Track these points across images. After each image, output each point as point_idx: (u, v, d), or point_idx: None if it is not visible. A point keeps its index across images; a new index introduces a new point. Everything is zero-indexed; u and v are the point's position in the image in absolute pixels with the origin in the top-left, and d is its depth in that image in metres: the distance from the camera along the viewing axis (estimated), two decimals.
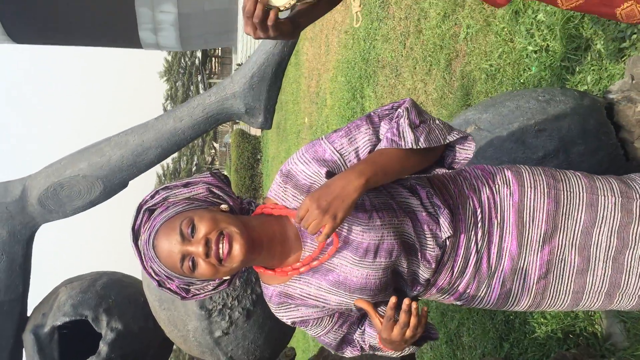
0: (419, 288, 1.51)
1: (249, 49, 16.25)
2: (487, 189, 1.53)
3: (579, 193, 1.51)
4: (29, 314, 2.78)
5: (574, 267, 1.50)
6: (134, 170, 2.46)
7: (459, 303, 1.58)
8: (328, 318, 1.53)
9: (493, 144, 2.22)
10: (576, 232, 1.49)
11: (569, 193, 1.51)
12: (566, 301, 1.54)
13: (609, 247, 1.49)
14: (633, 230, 1.48)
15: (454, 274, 1.51)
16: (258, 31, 1.48)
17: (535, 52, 3.21)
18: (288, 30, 1.56)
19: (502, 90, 3.55)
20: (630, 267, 1.49)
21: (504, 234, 1.50)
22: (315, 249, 1.42)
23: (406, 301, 1.35)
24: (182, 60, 40.01)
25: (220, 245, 1.33)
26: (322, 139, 1.47)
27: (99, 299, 2.67)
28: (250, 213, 1.49)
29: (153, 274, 1.40)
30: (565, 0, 1.66)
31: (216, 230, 1.33)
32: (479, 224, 1.50)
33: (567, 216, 1.50)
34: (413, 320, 1.36)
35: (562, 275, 1.51)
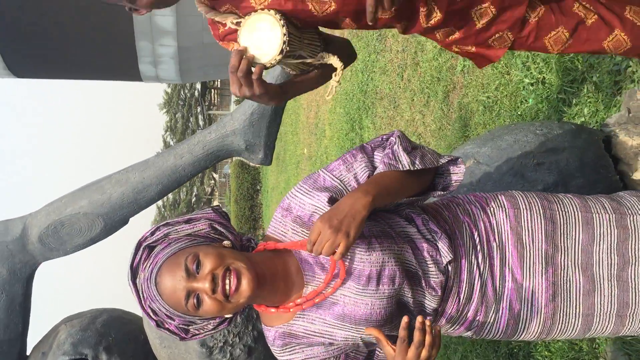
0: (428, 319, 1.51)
1: None
2: (482, 212, 1.56)
3: (574, 212, 1.54)
4: (28, 352, 2.76)
5: (580, 288, 1.50)
6: (135, 207, 2.46)
7: (469, 333, 1.58)
8: (334, 359, 1.51)
9: (492, 177, 2.23)
10: (577, 251, 1.51)
11: (564, 213, 1.54)
12: (577, 325, 1.54)
13: (611, 264, 1.50)
14: (632, 246, 1.50)
15: (461, 300, 1.50)
16: (243, 87, 1.50)
17: (532, 84, 3.25)
18: (275, 92, 1.57)
19: (500, 122, 3.57)
20: (636, 284, 1.50)
21: (505, 257, 1.51)
22: (321, 284, 1.42)
23: (419, 319, 1.34)
24: (182, 92, 40.31)
25: (227, 281, 1.31)
26: (320, 170, 1.51)
27: (99, 337, 2.65)
28: (250, 249, 1.48)
29: (152, 314, 1.38)
30: (555, 44, 1.71)
31: (222, 266, 1.32)
32: (478, 247, 1.51)
33: (565, 236, 1.52)
34: (428, 339, 1.33)
35: (570, 298, 1.51)
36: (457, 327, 1.56)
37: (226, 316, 1.42)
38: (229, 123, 2.43)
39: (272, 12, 1.52)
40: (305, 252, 1.43)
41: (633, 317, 1.52)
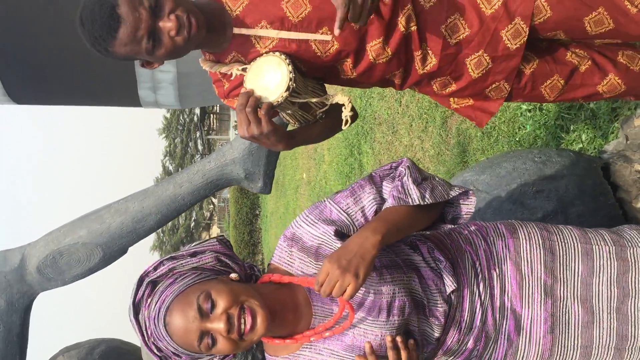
0: (430, 348, 1.50)
1: None
2: (483, 241, 1.56)
3: (574, 244, 1.54)
4: None
5: (578, 319, 1.50)
6: (134, 236, 2.46)
7: None
8: None
9: (492, 205, 2.23)
10: (576, 283, 1.50)
11: (563, 244, 1.54)
12: (575, 357, 1.53)
13: (611, 297, 1.49)
14: (632, 279, 1.50)
15: (462, 329, 1.50)
16: (251, 125, 1.51)
17: (529, 110, 3.27)
18: (282, 133, 1.58)
19: (498, 148, 3.59)
20: (635, 317, 1.49)
21: (505, 287, 1.51)
22: (329, 316, 1.40)
23: (388, 337, 1.34)
24: (181, 117, 40.52)
25: (242, 320, 1.27)
26: (326, 200, 1.48)
27: None
28: (254, 278, 1.46)
29: (156, 351, 1.33)
30: (551, 92, 1.75)
31: (237, 305, 1.28)
32: (480, 277, 1.51)
33: (564, 267, 1.51)
34: (404, 354, 1.34)
35: (568, 329, 1.50)
36: (456, 358, 1.55)
37: None
38: (229, 152, 2.44)
39: (277, 53, 1.56)
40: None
41: (632, 350, 1.51)
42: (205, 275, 1.35)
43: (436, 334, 1.47)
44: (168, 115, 40.16)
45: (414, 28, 1.61)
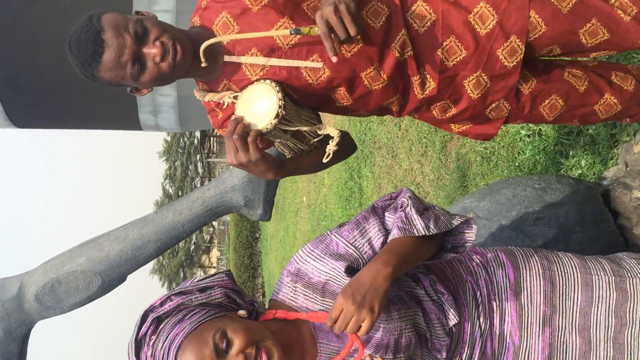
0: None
1: None
2: (483, 270, 1.55)
3: (573, 273, 1.53)
4: None
5: (576, 349, 1.49)
6: (133, 264, 2.44)
7: None
8: None
9: (492, 232, 2.22)
10: (575, 312, 1.50)
11: (563, 274, 1.53)
12: None
13: (608, 327, 1.49)
14: (630, 309, 1.49)
15: None
16: (239, 152, 1.51)
17: (529, 136, 3.27)
18: (271, 161, 1.57)
19: (497, 172, 3.59)
20: (631, 347, 1.48)
21: (504, 316, 1.50)
22: (335, 353, 1.37)
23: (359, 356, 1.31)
24: (181, 140, 40.65)
25: None
26: (331, 233, 1.46)
27: None
28: (254, 314, 1.42)
29: None
30: (550, 112, 1.76)
31: (253, 344, 1.24)
32: (480, 307, 1.50)
33: (564, 297, 1.51)
34: None
35: (566, 359, 1.49)
36: None
37: None
38: (228, 179, 2.44)
39: (267, 81, 1.57)
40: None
41: None
42: (215, 312, 1.31)
43: None
44: (168, 138, 40.30)
45: (409, 53, 1.61)
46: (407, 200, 1.45)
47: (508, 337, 1.49)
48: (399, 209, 1.45)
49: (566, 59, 1.84)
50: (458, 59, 1.63)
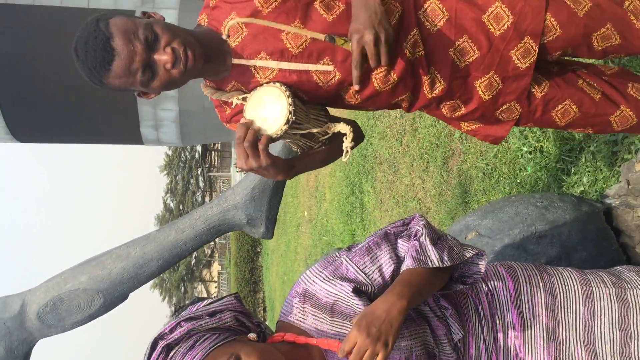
0: None
1: None
2: (484, 285, 1.55)
3: (574, 286, 1.53)
4: None
5: None
6: (135, 282, 2.44)
7: None
8: None
9: (494, 250, 2.22)
10: (578, 325, 1.49)
11: (564, 286, 1.53)
12: None
13: (613, 340, 1.48)
14: (633, 321, 1.48)
15: None
16: (250, 159, 1.49)
17: (530, 152, 3.28)
18: (281, 165, 1.56)
19: (499, 189, 3.59)
20: None
21: (507, 330, 1.50)
22: None
23: None
24: (183, 154, 40.69)
25: None
26: (341, 256, 1.45)
27: None
28: (262, 336, 1.41)
29: None
30: (562, 117, 1.72)
31: None
32: (483, 322, 1.50)
33: (566, 309, 1.51)
34: None
35: None
36: None
37: None
38: (231, 197, 2.44)
39: (277, 84, 1.54)
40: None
41: None
42: (225, 337, 1.30)
43: None
44: (170, 153, 40.35)
45: (421, 53, 1.58)
46: (422, 228, 1.43)
47: (512, 350, 1.49)
48: (413, 238, 1.44)
49: (581, 60, 1.81)
50: (470, 59, 1.61)
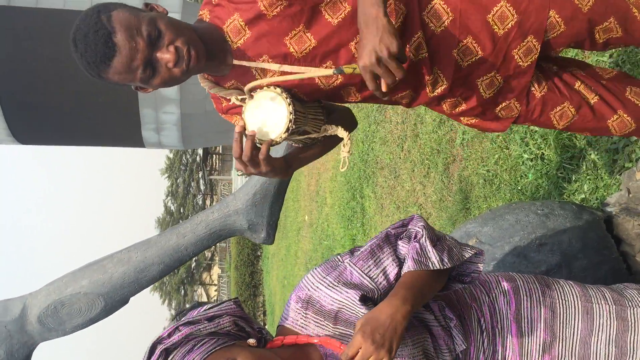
0: None
1: None
2: (486, 297, 1.55)
3: (574, 301, 1.53)
4: None
5: None
6: (136, 286, 2.44)
7: None
8: None
9: (495, 257, 2.23)
10: (575, 341, 1.50)
11: (564, 302, 1.54)
12: None
13: (608, 355, 1.49)
14: (630, 339, 1.48)
15: None
16: (249, 167, 1.49)
17: (531, 159, 3.28)
18: (281, 166, 1.57)
19: (500, 195, 3.60)
20: None
21: (506, 342, 1.50)
22: None
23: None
24: (184, 158, 40.71)
25: None
26: (344, 260, 1.44)
27: None
28: (263, 341, 1.41)
29: None
30: (560, 119, 1.72)
31: None
32: (484, 334, 1.50)
33: (564, 325, 1.51)
34: None
35: None
36: None
37: None
38: (232, 203, 2.45)
39: (278, 89, 1.52)
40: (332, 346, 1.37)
41: None
42: (224, 342, 1.30)
43: None
44: (171, 156, 40.39)
45: (424, 54, 1.57)
46: (422, 230, 1.43)
47: None
48: (413, 239, 1.44)
49: (581, 60, 1.80)
50: (473, 59, 1.60)
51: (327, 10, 1.51)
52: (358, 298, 1.35)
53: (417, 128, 5.16)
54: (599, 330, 1.49)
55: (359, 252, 1.45)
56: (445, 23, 1.56)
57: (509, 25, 1.57)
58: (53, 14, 10.70)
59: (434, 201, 4.68)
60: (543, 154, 3.20)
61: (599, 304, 1.52)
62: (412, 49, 1.56)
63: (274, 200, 2.43)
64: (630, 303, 1.53)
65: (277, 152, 2.45)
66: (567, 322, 1.51)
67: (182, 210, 41.29)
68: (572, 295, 1.54)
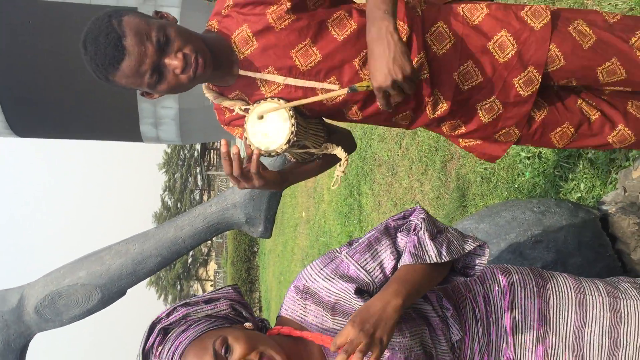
0: None
1: None
2: (481, 287, 1.57)
3: (567, 292, 1.55)
4: None
5: None
6: (133, 278, 2.46)
7: None
8: None
9: (491, 254, 2.24)
10: (568, 331, 1.51)
11: (558, 293, 1.55)
12: None
13: (602, 347, 1.50)
14: (623, 331, 1.50)
15: None
16: (242, 182, 1.52)
17: (528, 158, 3.30)
18: (275, 180, 1.59)
19: (497, 193, 3.61)
20: None
21: (500, 332, 1.52)
22: None
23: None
24: (182, 153, 40.70)
25: None
26: (341, 254, 1.44)
27: None
28: (264, 331, 1.42)
29: None
30: (560, 139, 1.75)
31: (256, 352, 1.25)
32: (479, 323, 1.52)
33: (558, 316, 1.53)
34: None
35: None
36: None
37: None
38: (230, 196, 2.46)
39: (281, 101, 1.55)
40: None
41: None
42: (220, 323, 1.33)
43: None
44: (169, 150, 40.37)
45: (425, 75, 1.60)
46: (421, 222, 1.43)
47: (503, 353, 1.51)
48: (412, 232, 1.44)
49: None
50: (474, 83, 1.63)
51: (334, 27, 1.55)
52: (353, 291, 1.36)
53: None
54: (592, 322, 1.51)
55: (357, 243, 1.46)
56: (447, 46, 1.59)
57: (510, 54, 1.61)
58: (52, 7, 10.68)
59: (431, 198, 4.69)
60: (540, 152, 3.21)
61: (592, 296, 1.54)
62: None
63: (271, 194, 2.45)
64: (623, 295, 1.54)
65: (274, 166, 2.47)
66: (561, 313, 1.52)
67: (179, 206, 41.28)
68: (566, 287, 1.56)
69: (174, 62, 1.45)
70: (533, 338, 1.50)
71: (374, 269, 1.41)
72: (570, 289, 1.56)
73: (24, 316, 2.47)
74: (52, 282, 2.46)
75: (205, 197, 40.14)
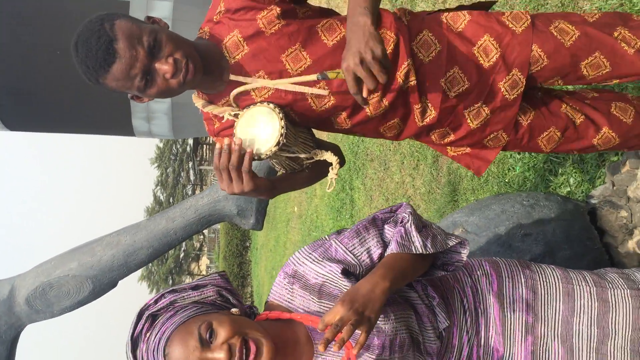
0: None
1: None
2: (469, 278, 1.59)
3: (555, 283, 1.57)
4: None
5: (558, 357, 1.52)
6: (124, 270, 2.46)
7: None
8: None
9: (480, 246, 2.26)
10: (557, 321, 1.53)
11: (545, 283, 1.57)
12: None
13: (591, 337, 1.52)
14: (612, 320, 1.52)
15: None
16: (233, 184, 1.52)
17: (519, 153, 3.32)
18: (265, 187, 1.60)
19: (488, 188, 3.63)
20: (614, 357, 1.51)
21: (489, 323, 1.54)
22: (332, 356, 1.38)
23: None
24: (174, 147, 40.59)
25: (244, 351, 1.26)
26: (330, 239, 1.48)
27: None
28: (253, 317, 1.44)
29: None
30: (547, 144, 1.79)
31: (239, 335, 1.27)
32: (467, 314, 1.54)
33: (546, 306, 1.55)
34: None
35: None
36: None
37: None
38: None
39: (271, 105, 1.57)
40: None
41: None
42: (207, 309, 1.35)
43: None
44: (161, 145, 40.24)
45: (413, 82, 1.62)
46: (408, 216, 1.47)
47: (492, 343, 1.53)
48: (399, 224, 1.47)
49: (566, 88, 1.86)
50: (460, 89, 1.65)
51: (324, 32, 1.57)
52: (340, 271, 1.39)
53: None
54: (580, 312, 1.53)
55: (345, 231, 1.49)
56: (433, 54, 1.62)
57: (494, 58, 1.64)
58: (46, 1, 10.62)
59: (423, 193, 4.71)
60: None
61: (579, 286, 1.56)
62: (402, 76, 1.61)
63: None
64: (610, 285, 1.56)
65: (258, 171, 2.47)
66: (549, 303, 1.54)
67: (171, 200, 41.20)
68: (554, 277, 1.58)
69: (164, 67, 1.46)
70: (522, 328, 1.52)
71: (362, 253, 1.44)
72: (558, 280, 1.58)
73: (15, 307, 2.47)
74: (43, 273, 2.46)
75: (197, 192, 40.04)
